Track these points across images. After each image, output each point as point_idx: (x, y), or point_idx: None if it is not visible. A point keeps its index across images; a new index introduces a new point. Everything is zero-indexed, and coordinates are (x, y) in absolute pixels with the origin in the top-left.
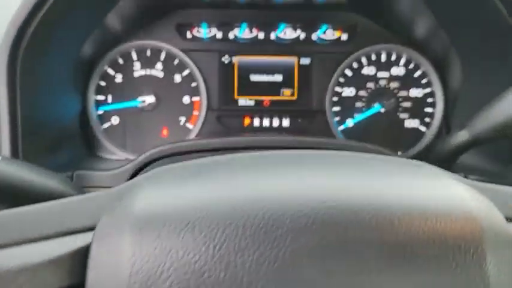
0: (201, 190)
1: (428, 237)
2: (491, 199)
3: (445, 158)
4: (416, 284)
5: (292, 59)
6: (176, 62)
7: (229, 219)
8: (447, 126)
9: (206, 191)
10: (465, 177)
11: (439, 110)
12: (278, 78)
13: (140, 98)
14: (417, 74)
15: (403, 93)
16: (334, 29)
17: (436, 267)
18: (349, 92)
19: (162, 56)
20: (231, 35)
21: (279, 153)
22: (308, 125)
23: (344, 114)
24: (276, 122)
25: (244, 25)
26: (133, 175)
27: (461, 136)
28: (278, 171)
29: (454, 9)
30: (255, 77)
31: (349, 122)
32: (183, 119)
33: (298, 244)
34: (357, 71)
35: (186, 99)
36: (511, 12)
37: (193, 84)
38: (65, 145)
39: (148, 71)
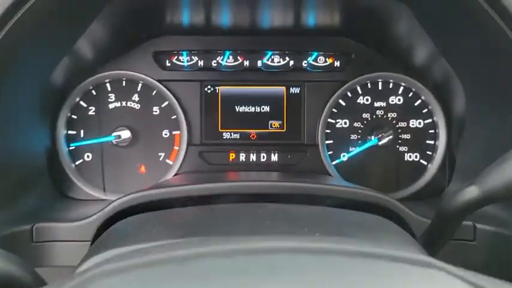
0: None
1: None
2: None
3: (451, 217)
4: None
5: (280, 89)
6: (154, 93)
7: None
8: (451, 160)
9: None
10: (474, 227)
11: (442, 142)
12: (265, 109)
13: (115, 133)
14: (417, 103)
15: (402, 124)
16: (326, 55)
17: None
18: (343, 123)
19: (139, 86)
20: (213, 63)
21: (246, 260)
22: (299, 160)
23: (338, 148)
24: (263, 157)
25: (228, 52)
26: (100, 229)
27: (471, 193)
28: None
29: (454, 34)
30: (240, 108)
31: (344, 156)
32: (162, 154)
33: None
34: (351, 101)
35: (165, 133)
36: None
37: (173, 117)
38: (29, 188)
39: (123, 103)
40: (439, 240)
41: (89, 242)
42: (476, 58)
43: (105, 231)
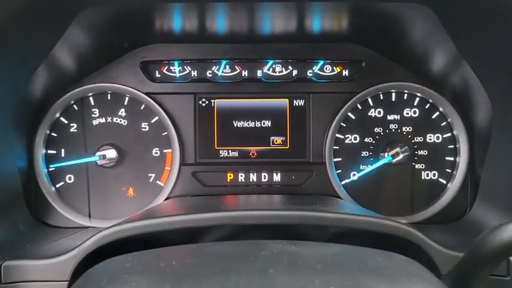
0: None
1: None
2: None
3: (489, 257)
4: None
5: (283, 101)
6: (142, 107)
7: None
8: (474, 179)
9: None
10: (508, 261)
11: (463, 159)
12: (267, 124)
13: (100, 153)
14: (435, 115)
15: (418, 139)
16: (334, 64)
17: None
18: (352, 139)
19: (126, 100)
20: (208, 74)
21: None
22: (304, 181)
23: (347, 166)
24: (265, 177)
25: (224, 62)
26: (80, 267)
27: None
28: None
29: (481, 37)
30: (238, 124)
31: (354, 176)
32: (152, 175)
33: None
34: (361, 114)
35: (155, 152)
36: None
37: (164, 134)
38: (0, 216)
39: (109, 119)
40: (473, 282)
41: (66, 282)
42: (506, 63)
43: (80, 278)
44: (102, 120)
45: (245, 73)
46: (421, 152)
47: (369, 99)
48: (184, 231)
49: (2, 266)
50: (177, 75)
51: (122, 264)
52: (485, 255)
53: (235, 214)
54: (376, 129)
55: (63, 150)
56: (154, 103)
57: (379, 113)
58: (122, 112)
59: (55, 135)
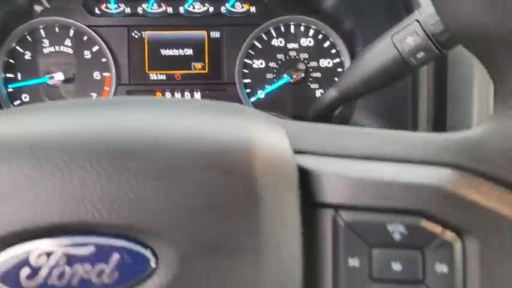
0: None
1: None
2: (287, 133)
3: (319, 116)
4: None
5: (202, 33)
6: (85, 38)
7: None
8: None
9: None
10: None
11: None
12: (189, 52)
13: (49, 75)
14: (326, 44)
15: (313, 63)
16: (243, 1)
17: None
18: (259, 63)
19: (71, 32)
20: (139, 10)
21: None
22: (219, 98)
23: (255, 86)
24: (187, 96)
25: (152, 0)
26: None
27: (330, 94)
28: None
29: None
30: (165, 52)
31: (260, 94)
32: (94, 94)
33: None
34: (266, 43)
35: (96, 75)
36: None
37: (103, 60)
38: None
39: (57, 48)
40: None
41: None
42: (377, 14)
43: None
44: (52, 49)
45: (170, 10)
46: (315, 75)
47: (272, 30)
48: None
49: None
50: (114, 11)
51: None
52: (317, 115)
53: None
54: (279, 56)
55: (19, 74)
56: (95, 34)
57: (281, 42)
58: (68, 42)
59: (12, 61)
